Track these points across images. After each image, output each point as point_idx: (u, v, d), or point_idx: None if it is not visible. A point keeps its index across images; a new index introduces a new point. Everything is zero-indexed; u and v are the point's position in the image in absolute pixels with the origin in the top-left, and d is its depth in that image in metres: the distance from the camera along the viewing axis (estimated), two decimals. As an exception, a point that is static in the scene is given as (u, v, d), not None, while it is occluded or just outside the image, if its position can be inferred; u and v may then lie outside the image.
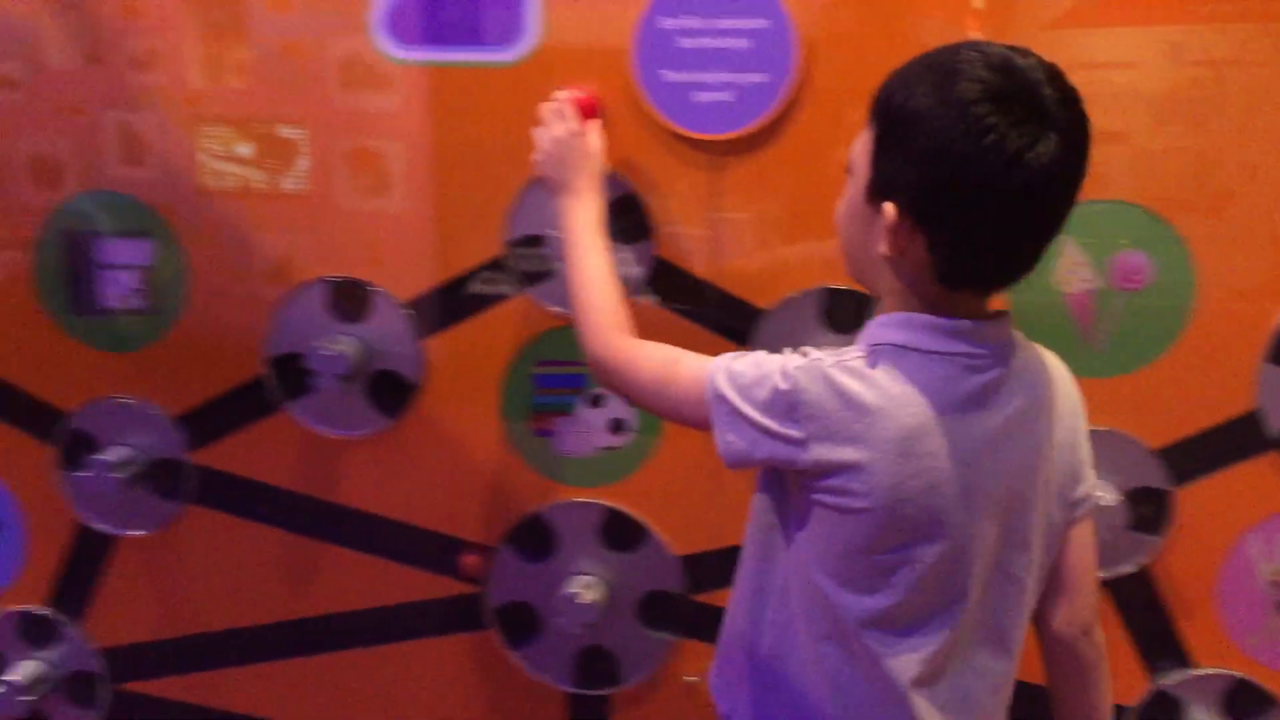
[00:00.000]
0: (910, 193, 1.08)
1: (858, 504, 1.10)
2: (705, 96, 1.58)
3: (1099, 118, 1.55)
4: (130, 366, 1.79)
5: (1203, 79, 1.56)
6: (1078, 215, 1.53)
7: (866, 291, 1.21)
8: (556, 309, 1.67)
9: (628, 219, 1.62)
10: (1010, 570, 1.19)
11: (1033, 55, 1.06)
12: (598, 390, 1.70)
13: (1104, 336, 1.60)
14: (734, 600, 1.30)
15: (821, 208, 1.51)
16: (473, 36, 1.63)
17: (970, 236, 1.07)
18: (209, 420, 1.80)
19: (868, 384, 1.09)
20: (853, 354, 1.12)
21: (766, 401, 1.11)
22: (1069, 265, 1.59)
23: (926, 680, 1.17)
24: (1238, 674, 1.67)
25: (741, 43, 1.56)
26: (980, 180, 1.03)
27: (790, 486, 1.18)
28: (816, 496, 1.13)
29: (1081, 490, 1.25)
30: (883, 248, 1.10)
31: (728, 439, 1.14)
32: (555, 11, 1.60)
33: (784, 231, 1.63)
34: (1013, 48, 1.06)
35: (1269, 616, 1.66)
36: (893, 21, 1.55)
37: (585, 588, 1.71)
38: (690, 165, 1.61)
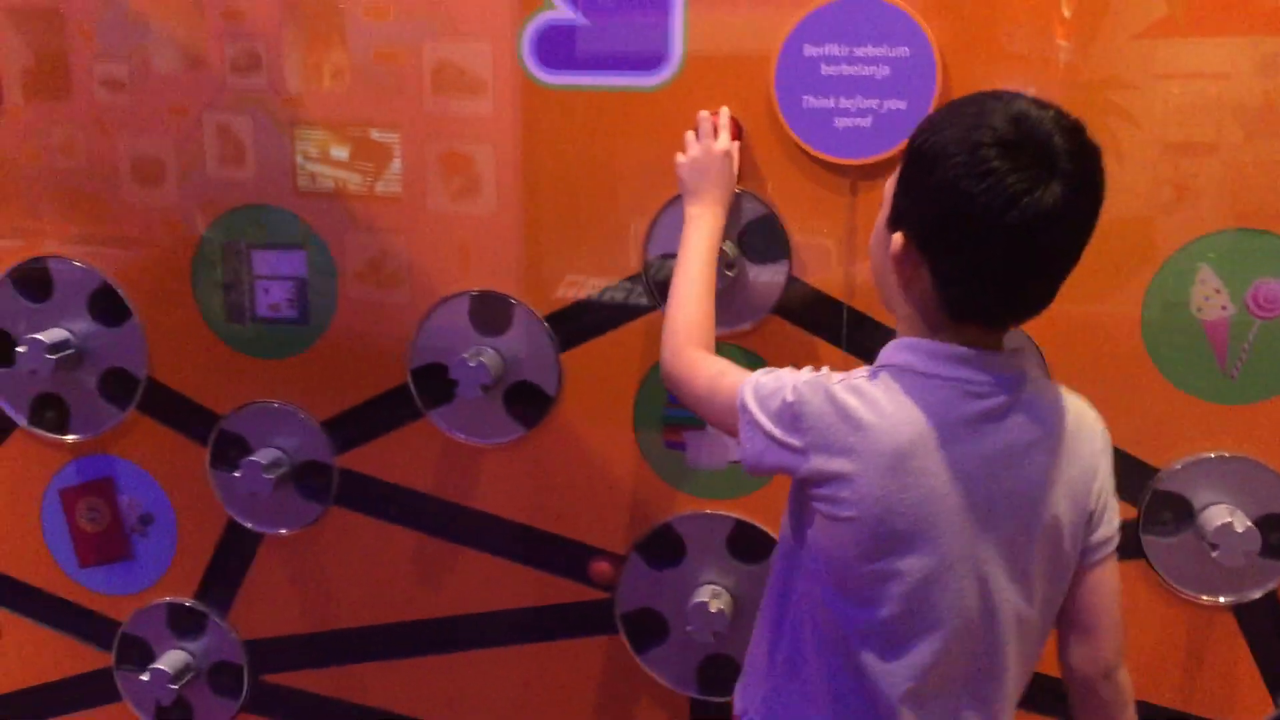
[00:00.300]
0: (918, 225, 1.17)
1: (846, 512, 1.17)
2: (844, 122, 1.62)
3: (1190, 129, 1.59)
4: (281, 373, 1.87)
5: None
6: (1216, 242, 1.57)
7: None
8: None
9: (766, 238, 1.67)
10: (1008, 600, 1.22)
11: (1052, 108, 1.13)
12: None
13: (1239, 363, 1.62)
14: (762, 608, 1.37)
15: None
16: (619, 62, 1.68)
17: (971, 270, 1.14)
18: (354, 425, 1.87)
19: (865, 401, 1.16)
20: (860, 373, 1.21)
21: (776, 412, 1.20)
22: (1206, 292, 1.61)
23: (916, 698, 1.21)
24: (1366, 703, 1.68)
25: (883, 70, 1.60)
26: (979, 217, 1.09)
27: (803, 498, 1.25)
28: (816, 505, 1.21)
29: (1100, 534, 1.28)
30: (892, 275, 1.19)
31: (745, 444, 1.24)
32: (699, 38, 1.65)
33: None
34: (1036, 100, 1.13)
35: (1400, 646, 1.66)
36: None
37: (715, 596, 1.76)
38: (828, 189, 1.65)
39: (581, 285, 1.76)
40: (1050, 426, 1.21)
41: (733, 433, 1.27)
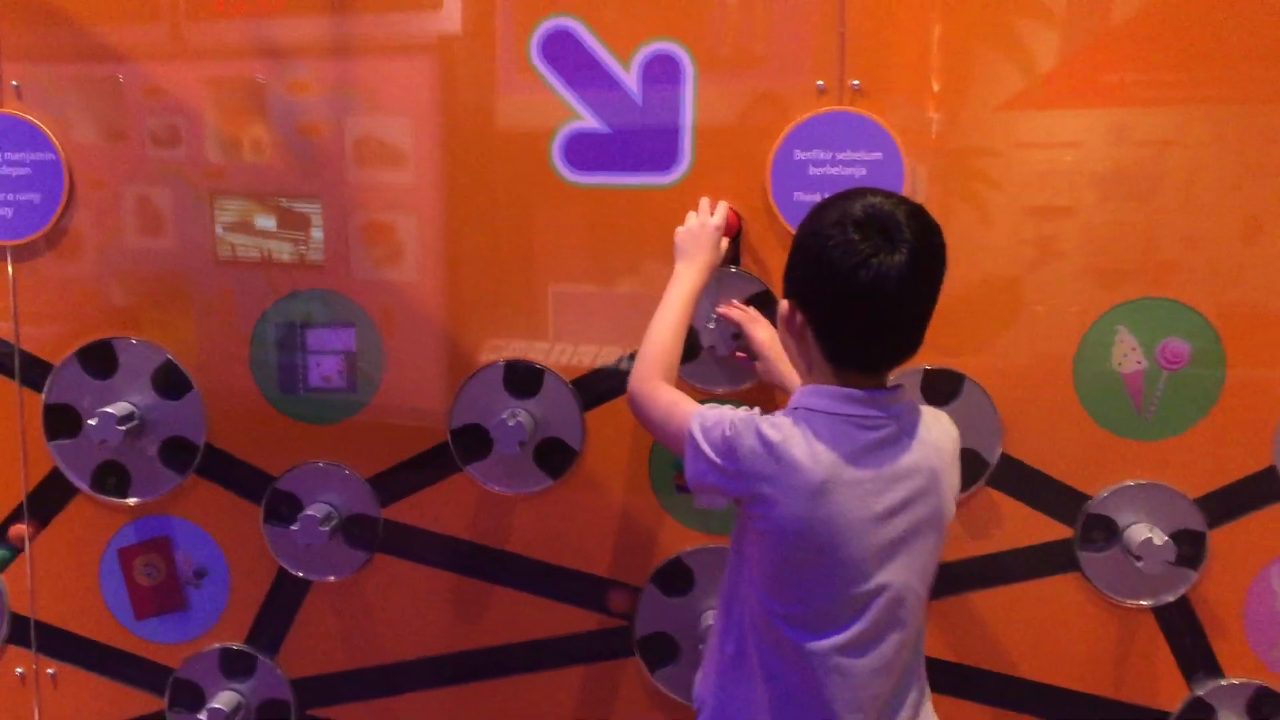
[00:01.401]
0: (799, 289, 1.49)
1: (769, 527, 1.47)
2: (828, 214, 1.94)
3: (1049, 194, 1.91)
4: (330, 436, 2.10)
5: (1145, 158, 1.89)
6: (1133, 309, 1.92)
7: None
8: (699, 385, 2.01)
9: (762, 309, 1.97)
10: (910, 586, 1.50)
11: (902, 198, 1.46)
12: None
13: (1152, 408, 1.97)
14: (716, 611, 1.67)
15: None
16: (637, 163, 1.98)
17: (838, 320, 1.46)
18: (397, 481, 2.11)
19: (785, 437, 1.45)
20: (780, 414, 1.51)
21: (716, 442, 1.49)
22: (1124, 350, 1.96)
23: (839, 670, 1.48)
24: (1261, 683, 2.03)
25: (860, 171, 1.93)
26: (840, 276, 1.41)
27: (741, 516, 1.56)
28: (748, 520, 1.52)
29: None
30: (790, 339, 1.54)
31: (689, 466, 1.53)
32: (706, 144, 1.95)
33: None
34: (890, 195, 1.47)
35: (1287, 634, 2.03)
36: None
37: (722, 619, 2.03)
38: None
39: (606, 353, 2.04)
40: (930, 443, 1.52)
41: (679, 453, 1.56)
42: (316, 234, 2.04)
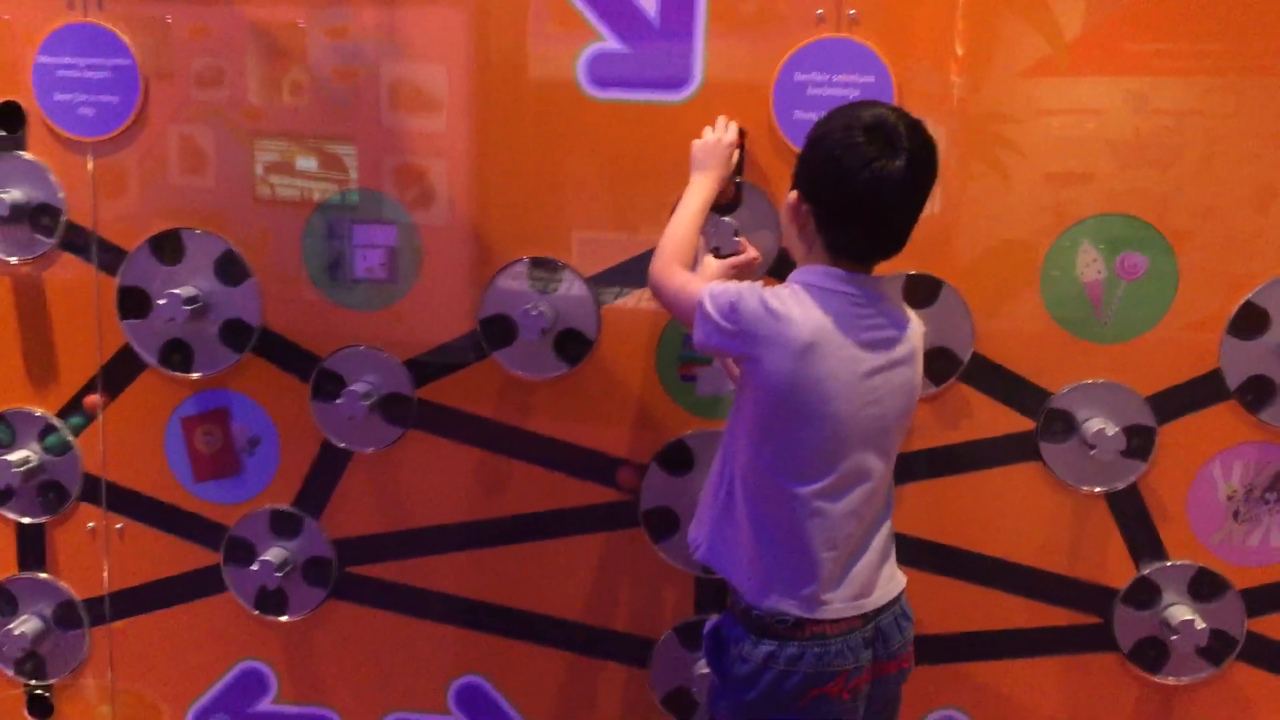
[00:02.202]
0: (806, 183, 1.71)
1: (764, 382, 1.68)
2: (824, 131, 2.14)
3: (1068, 160, 2.04)
4: (372, 322, 2.32)
5: (1164, 127, 2.04)
6: (1095, 223, 2.10)
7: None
8: (704, 285, 2.22)
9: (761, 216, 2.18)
10: (875, 464, 1.73)
11: (905, 113, 1.67)
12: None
13: (1110, 314, 2.17)
14: (714, 464, 1.88)
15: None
16: (652, 82, 2.18)
17: (839, 216, 1.67)
18: (431, 364, 2.33)
19: (783, 302, 1.65)
20: (780, 286, 1.70)
21: (721, 306, 1.70)
22: (1086, 260, 2.15)
23: (818, 512, 1.70)
24: (1202, 565, 2.24)
25: (854, 92, 2.12)
26: (844, 174, 1.62)
27: (742, 375, 1.77)
28: (747, 377, 1.73)
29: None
30: (793, 225, 1.72)
31: (698, 329, 1.73)
32: (715, 64, 2.15)
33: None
34: (895, 109, 1.68)
35: (1225, 521, 2.23)
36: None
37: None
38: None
39: (621, 251, 2.25)
40: (905, 328, 1.74)
41: (689, 324, 1.76)
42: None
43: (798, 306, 1.65)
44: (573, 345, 2.29)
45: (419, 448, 2.37)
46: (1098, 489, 2.23)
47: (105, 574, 2.46)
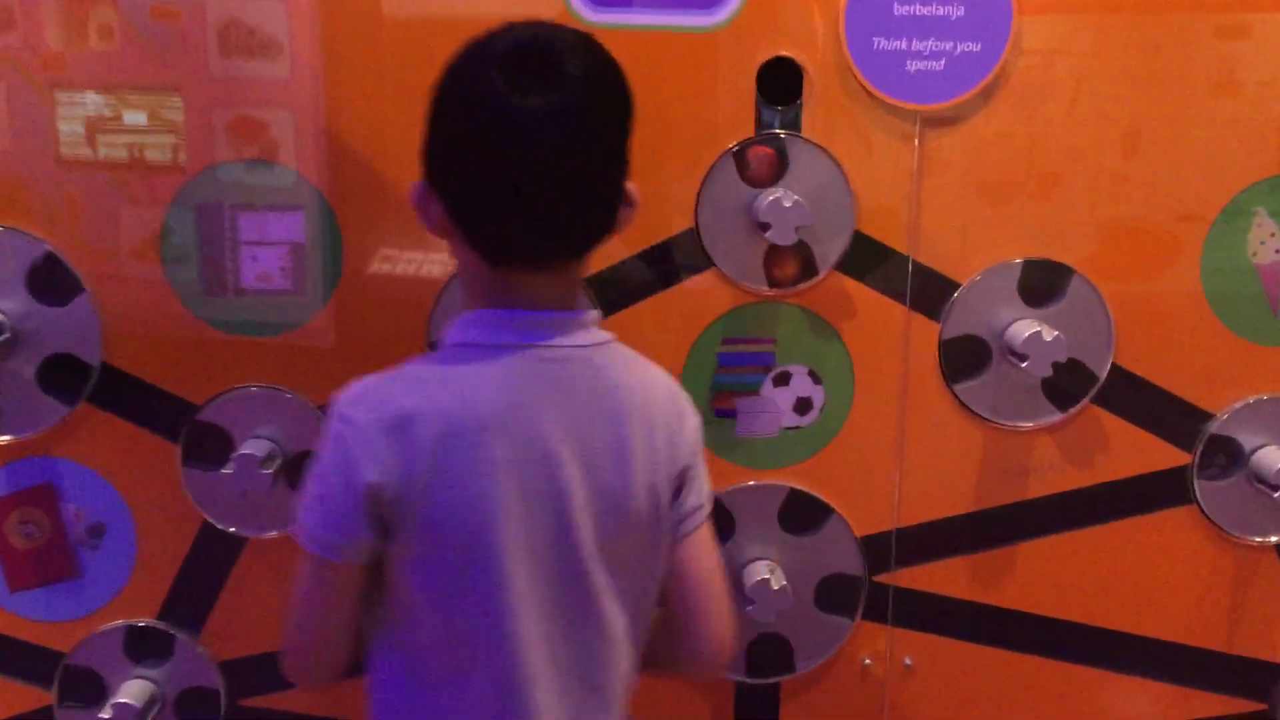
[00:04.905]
0: (426, 163, 1.14)
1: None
2: (916, 65, 1.57)
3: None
4: (271, 352, 1.66)
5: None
6: (1273, 187, 1.61)
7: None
8: (747, 284, 1.63)
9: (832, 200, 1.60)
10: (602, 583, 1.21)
11: (568, 28, 1.13)
12: (785, 368, 1.67)
13: None
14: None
15: (1025, 179, 1.59)
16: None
17: (479, 197, 1.10)
18: (356, 410, 1.68)
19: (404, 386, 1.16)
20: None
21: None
22: (1261, 237, 1.65)
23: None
24: None
25: (958, 10, 1.56)
26: (470, 132, 1.09)
27: None
28: None
29: (691, 502, 1.28)
30: (426, 224, 1.16)
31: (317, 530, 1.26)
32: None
33: (985, 204, 1.63)
34: (553, 25, 1.12)
35: None
36: None
37: (771, 573, 1.68)
38: (895, 136, 1.60)
39: (632, 243, 1.64)
40: (627, 393, 1.20)
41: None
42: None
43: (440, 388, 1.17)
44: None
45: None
46: (1272, 539, 1.76)
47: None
